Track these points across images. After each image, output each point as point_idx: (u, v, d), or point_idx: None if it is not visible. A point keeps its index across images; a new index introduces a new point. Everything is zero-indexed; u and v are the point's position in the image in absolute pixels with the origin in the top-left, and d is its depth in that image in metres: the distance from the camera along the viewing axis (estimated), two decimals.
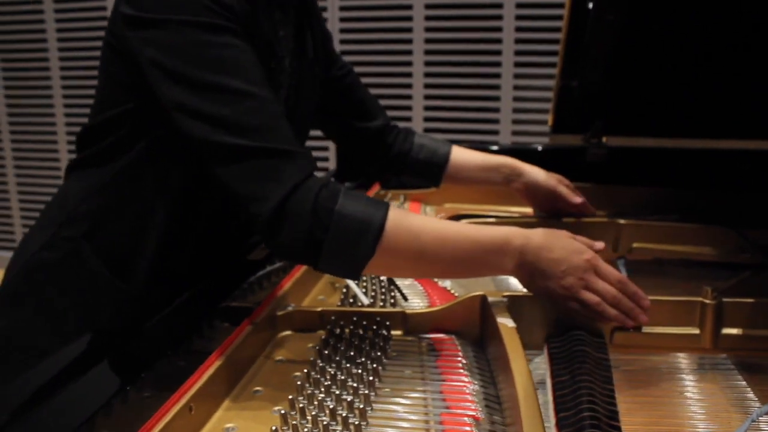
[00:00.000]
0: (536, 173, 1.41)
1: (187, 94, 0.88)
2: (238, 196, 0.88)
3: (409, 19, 2.97)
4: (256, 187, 0.87)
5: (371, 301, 1.06)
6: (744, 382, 0.86)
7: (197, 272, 1.07)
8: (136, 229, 1.04)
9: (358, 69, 3.01)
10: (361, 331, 0.93)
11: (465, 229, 0.94)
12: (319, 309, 0.97)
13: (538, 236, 0.92)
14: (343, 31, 3.06)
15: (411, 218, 0.91)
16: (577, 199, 1.40)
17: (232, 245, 1.18)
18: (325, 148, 3.19)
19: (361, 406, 0.73)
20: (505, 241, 0.91)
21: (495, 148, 1.74)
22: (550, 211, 1.42)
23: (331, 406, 0.73)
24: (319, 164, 3.59)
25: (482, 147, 1.56)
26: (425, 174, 1.46)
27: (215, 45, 0.89)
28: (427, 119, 3.04)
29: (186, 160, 1.00)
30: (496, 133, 3.00)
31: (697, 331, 0.93)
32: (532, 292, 0.93)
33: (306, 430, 0.71)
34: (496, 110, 2.98)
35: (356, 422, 0.71)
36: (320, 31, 1.25)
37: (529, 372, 0.74)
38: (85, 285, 1.04)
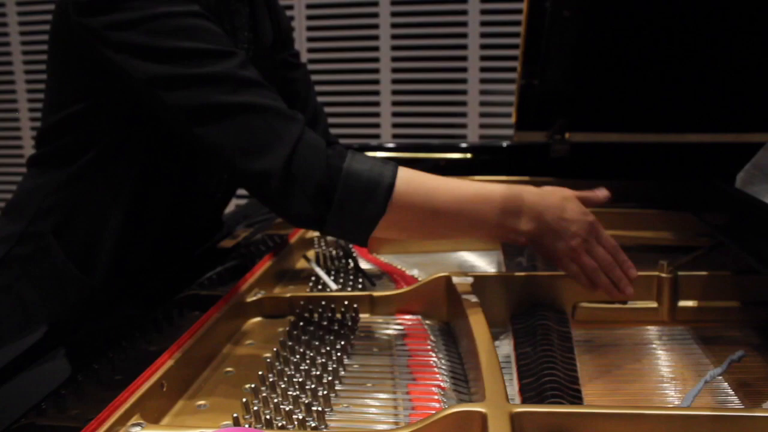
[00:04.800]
0: None
1: (158, 65, 0.85)
2: (234, 156, 0.84)
3: (375, 15, 3.01)
4: (257, 144, 0.83)
5: (339, 287, 1.08)
6: (700, 351, 0.89)
7: (158, 265, 1.08)
8: (97, 224, 1.04)
9: (325, 66, 2.99)
10: (329, 314, 0.95)
11: (478, 188, 0.91)
12: (288, 295, 0.99)
13: (550, 196, 0.92)
14: (310, 28, 3.09)
15: (422, 176, 0.90)
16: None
17: (190, 239, 1.18)
18: None
19: (330, 378, 0.75)
20: (520, 201, 0.90)
21: (464, 145, 1.79)
22: None
23: (300, 380, 0.75)
24: None
25: (451, 143, 1.59)
26: None
27: (179, 14, 0.86)
28: (395, 114, 3.06)
29: (143, 158, 1.00)
30: (463, 126, 3.03)
31: (655, 305, 0.96)
32: (539, 253, 0.95)
33: (276, 402, 0.72)
34: (463, 104, 3.01)
35: (325, 393, 0.73)
36: (276, 14, 1.23)
37: (491, 340, 0.77)
38: (53, 279, 1.05)
